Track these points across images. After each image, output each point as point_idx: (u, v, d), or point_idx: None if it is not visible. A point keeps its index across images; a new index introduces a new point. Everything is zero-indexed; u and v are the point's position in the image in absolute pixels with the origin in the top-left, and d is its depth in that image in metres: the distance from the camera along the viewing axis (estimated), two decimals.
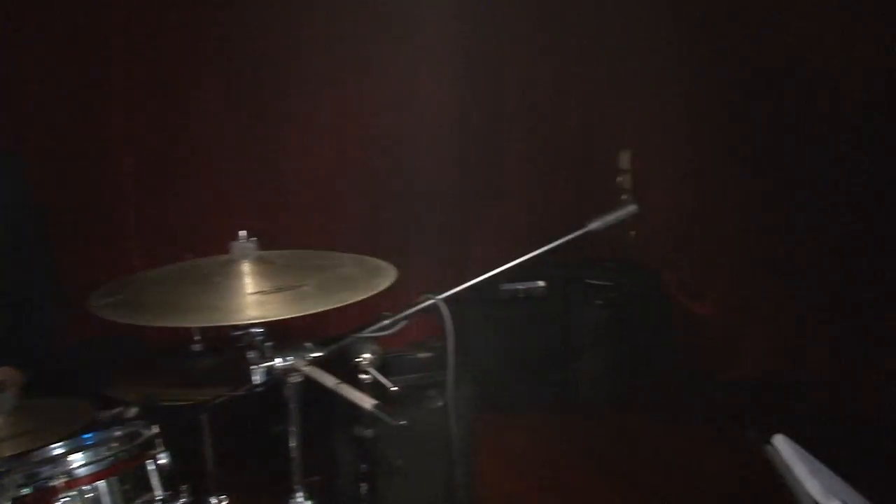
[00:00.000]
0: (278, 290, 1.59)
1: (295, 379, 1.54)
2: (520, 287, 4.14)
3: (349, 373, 1.59)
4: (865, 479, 3.37)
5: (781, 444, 1.42)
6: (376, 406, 1.39)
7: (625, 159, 4.90)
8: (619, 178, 4.95)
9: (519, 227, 4.69)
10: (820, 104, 4.27)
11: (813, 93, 4.26)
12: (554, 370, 4.23)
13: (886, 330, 4.15)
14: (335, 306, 1.53)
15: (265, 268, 1.71)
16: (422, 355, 3.17)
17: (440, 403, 2.82)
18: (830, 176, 4.24)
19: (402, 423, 1.36)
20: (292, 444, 1.61)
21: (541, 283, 4.17)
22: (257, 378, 1.52)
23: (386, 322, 1.62)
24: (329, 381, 1.45)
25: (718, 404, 4.25)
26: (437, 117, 4.49)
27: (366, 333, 1.61)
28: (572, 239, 1.64)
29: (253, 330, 1.60)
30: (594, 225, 1.67)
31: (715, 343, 4.70)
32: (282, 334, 1.63)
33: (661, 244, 4.84)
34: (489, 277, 1.61)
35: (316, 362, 1.54)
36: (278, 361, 1.53)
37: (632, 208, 1.67)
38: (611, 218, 1.68)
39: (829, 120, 4.24)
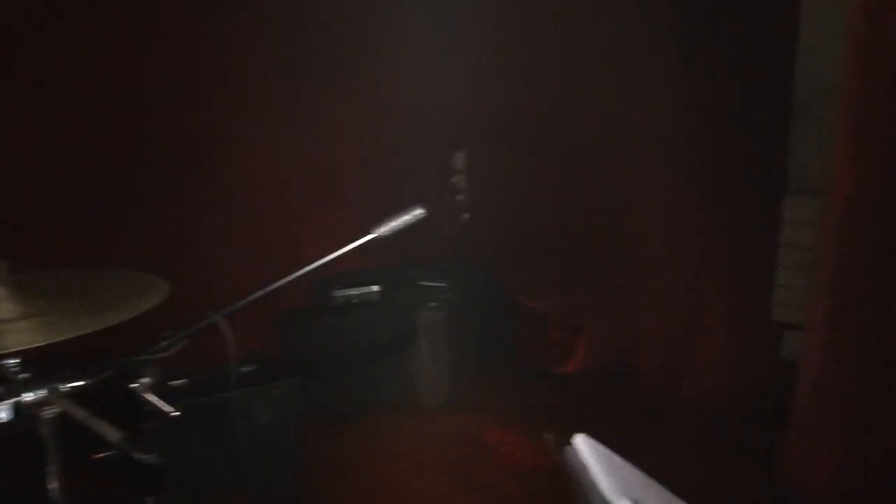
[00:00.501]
0: (23, 317, 1.40)
1: (49, 413, 1.36)
2: (353, 293, 4.03)
3: (128, 397, 1.43)
4: (698, 459, 3.53)
5: (581, 444, 1.36)
6: (123, 440, 1.23)
7: (459, 159, 4.89)
8: (454, 179, 4.94)
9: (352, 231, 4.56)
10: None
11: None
12: (391, 374, 4.14)
13: (709, 319, 4.34)
14: (93, 329, 1.36)
15: (17, 293, 1.51)
16: (245, 369, 3.04)
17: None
18: (661, 174, 4.39)
19: (146, 456, 1.22)
20: (52, 484, 1.42)
21: (375, 289, 4.08)
22: (3, 415, 1.32)
23: (164, 343, 1.47)
24: (79, 414, 1.28)
25: (555, 400, 4.30)
26: None
27: (145, 355, 1.46)
28: (360, 245, 1.54)
29: (7, 361, 1.41)
30: (382, 230, 1.58)
31: (552, 339, 4.76)
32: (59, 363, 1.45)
33: (496, 243, 4.87)
34: (275, 288, 1.49)
35: (76, 392, 1.36)
36: (26, 396, 1.35)
37: (419, 212, 1.60)
38: (397, 223, 1.60)
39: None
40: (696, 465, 3.55)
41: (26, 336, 1.32)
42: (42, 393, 1.34)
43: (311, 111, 4.36)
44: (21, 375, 1.38)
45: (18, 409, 1.34)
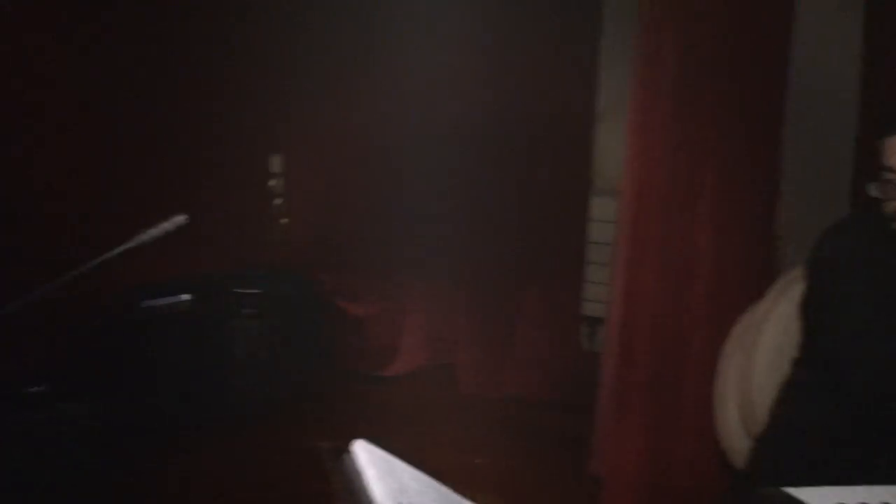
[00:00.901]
0: None
1: None
2: (162, 303, 3.84)
3: None
4: (515, 452, 3.61)
5: (359, 451, 1.34)
6: None
7: (276, 163, 4.81)
8: (272, 183, 4.84)
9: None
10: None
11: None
12: (208, 388, 3.97)
13: (526, 316, 4.48)
14: None
15: None
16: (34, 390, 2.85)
17: None
18: (462, 174, 4.48)
19: None
20: None
21: (185, 297, 3.91)
22: None
23: None
24: None
25: (378, 403, 4.30)
26: None
27: None
28: (120, 252, 1.47)
29: None
30: (142, 238, 1.51)
31: (375, 342, 4.75)
32: None
33: (314, 247, 4.82)
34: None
35: None
36: None
37: (179, 219, 1.54)
38: (156, 231, 1.53)
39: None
40: (513, 457, 3.65)
41: None
42: None
43: None
44: None
45: None
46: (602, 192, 4.30)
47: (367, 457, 1.32)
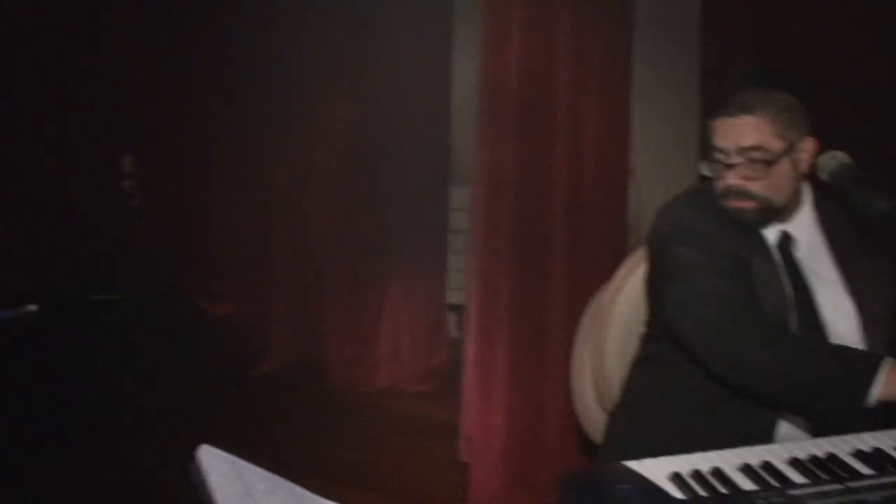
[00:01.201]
0: None
1: None
2: (3, 315, 3.59)
3: None
4: (388, 444, 3.59)
5: (203, 457, 1.29)
6: None
7: (128, 163, 4.62)
8: (126, 183, 4.65)
9: None
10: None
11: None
12: (66, 402, 3.75)
13: (392, 307, 4.48)
14: None
15: None
16: None
17: None
18: (336, 171, 4.44)
19: None
20: None
21: (32, 307, 3.68)
22: None
23: None
24: None
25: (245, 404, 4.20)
26: None
27: None
28: None
29: None
30: None
31: (242, 341, 4.65)
32: None
33: (173, 248, 4.66)
34: None
35: None
36: None
37: None
38: None
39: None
40: (384, 449, 3.66)
41: None
42: None
43: None
44: None
45: None
46: (462, 181, 4.35)
47: (211, 462, 1.28)
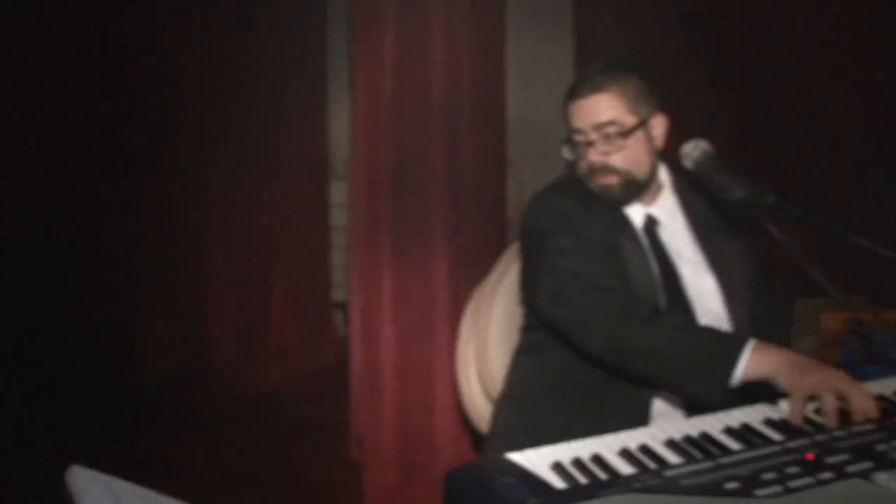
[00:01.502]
0: None
1: None
2: None
3: None
4: (277, 445, 3.53)
5: (76, 479, 1.23)
6: None
7: None
8: None
9: None
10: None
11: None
12: None
13: (277, 308, 4.40)
14: None
15: None
16: None
17: None
18: (220, 174, 4.32)
19: None
20: None
21: None
22: None
23: None
24: None
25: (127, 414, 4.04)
26: None
27: None
28: None
29: None
30: None
31: (117, 349, 4.47)
32: None
33: (40, 254, 4.42)
34: None
35: None
36: None
37: None
38: None
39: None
40: (275, 451, 3.60)
41: None
42: None
43: None
44: None
45: None
46: (339, 177, 4.31)
47: (83, 485, 1.23)
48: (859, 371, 3.10)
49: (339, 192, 4.35)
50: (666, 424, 1.44)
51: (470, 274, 2.92)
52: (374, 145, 2.73)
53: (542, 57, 3.81)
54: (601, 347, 1.74)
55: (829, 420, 1.39)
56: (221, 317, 4.39)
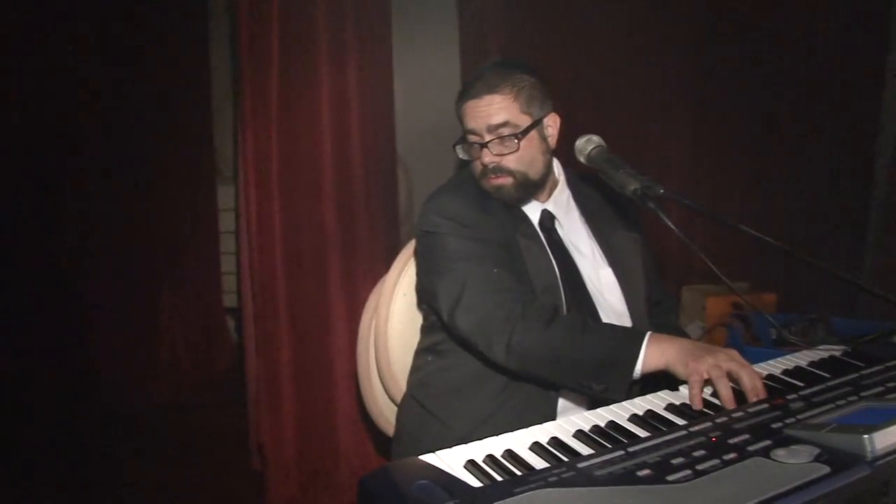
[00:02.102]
0: None
1: None
2: None
3: None
4: (173, 458, 3.40)
5: None
6: None
7: None
8: None
9: None
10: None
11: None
12: None
13: (164, 318, 4.25)
14: None
15: None
16: None
17: None
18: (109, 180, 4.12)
19: None
20: None
21: None
22: None
23: None
24: None
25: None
26: None
27: None
28: None
29: None
30: None
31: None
32: None
33: None
34: None
35: None
36: None
37: None
38: None
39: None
40: (175, 467, 3.48)
41: None
42: None
43: None
44: None
45: None
46: (228, 181, 4.20)
47: None
48: (744, 352, 3.23)
49: (226, 197, 4.24)
50: (574, 416, 1.45)
51: (365, 274, 2.89)
52: (262, 147, 2.65)
53: (429, 54, 3.81)
54: (505, 357, 1.74)
55: (726, 403, 1.45)
56: (108, 330, 4.19)
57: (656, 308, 2.15)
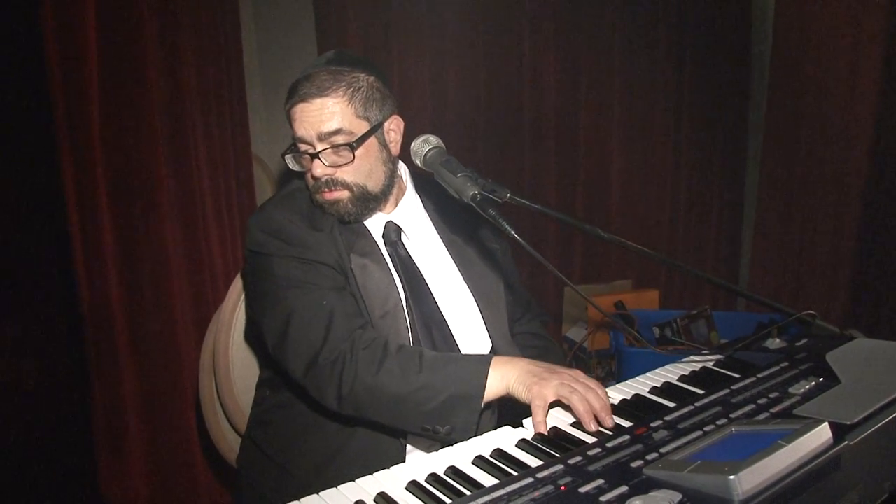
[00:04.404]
0: None
1: None
2: None
3: None
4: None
5: None
6: None
7: None
8: None
9: None
10: None
11: None
12: None
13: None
14: None
15: None
16: None
17: None
18: None
19: None
20: None
21: None
22: None
23: None
24: None
25: None
26: None
27: None
28: None
29: None
30: None
31: None
32: None
33: None
34: None
35: None
36: None
37: None
38: None
39: None
40: None
41: None
42: None
43: None
44: None
45: None
46: None
47: None
48: (626, 354, 3.13)
49: None
50: (417, 460, 1.26)
51: (212, 295, 2.63)
52: (86, 160, 2.31)
53: (286, 41, 3.49)
54: (337, 406, 1.51)
55: (585, 423, 1.33)
56: None
57: (521, 319, 1.97)
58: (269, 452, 1.72)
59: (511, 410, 1.48)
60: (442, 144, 1.61)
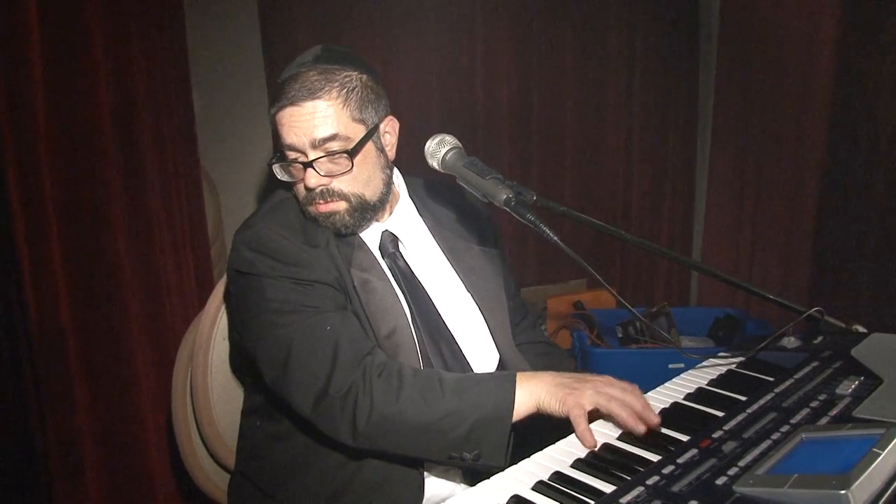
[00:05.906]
0: None
1: None
2: None
3: None
4: None
5: None
6: None
7: None
8: None
9: None
10: None
11: None
12: None
13: None
14: None
15: None
16: None
17: None
18: None
19: None
20: None
21: None
22: None
23: None
24: None
25: None
26: None
27: None
28: None
29: None
30: None
31: None
32: None
33: None
34: None
35: None
36: None
37: None
38: None
39: None
40: None
41: None
42: None
43: None
44: None
45: None
46: None
47: None
48: (591, 354, 3.09)
49: None
50: (477, 495, 1.15)
51: (173, 312, 2.45)
52: (31, 168, 2.10)
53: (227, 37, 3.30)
54: (353, 441, 1.37)
55: (632, 429, 1.27)
56: None
57: (521, 323, 1.88)
58: (265, 489, 1.56)
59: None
60: (459, 144, 1.49)
